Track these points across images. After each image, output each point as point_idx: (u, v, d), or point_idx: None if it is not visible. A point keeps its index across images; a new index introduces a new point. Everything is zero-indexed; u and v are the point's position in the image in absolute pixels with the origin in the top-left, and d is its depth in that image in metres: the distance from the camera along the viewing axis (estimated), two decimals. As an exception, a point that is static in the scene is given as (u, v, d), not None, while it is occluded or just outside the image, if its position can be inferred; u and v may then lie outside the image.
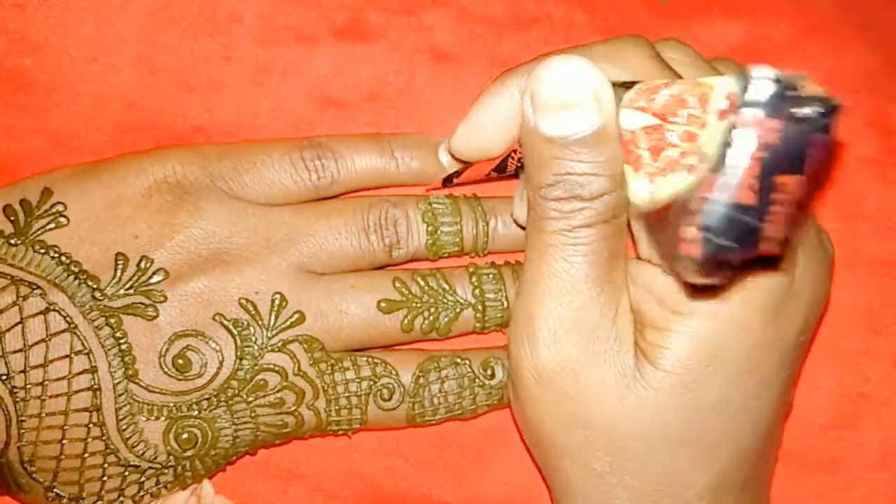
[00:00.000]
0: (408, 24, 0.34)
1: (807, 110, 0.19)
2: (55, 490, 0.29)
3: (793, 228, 0.21)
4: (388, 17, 0.34)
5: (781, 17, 0.36)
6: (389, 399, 0.31)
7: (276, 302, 0.30)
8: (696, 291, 0.26)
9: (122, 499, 0.30)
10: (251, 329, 0.30)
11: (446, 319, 0.32)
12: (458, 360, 0.32)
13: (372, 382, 0.31)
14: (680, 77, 0.27)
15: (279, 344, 0.30)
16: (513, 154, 0.28)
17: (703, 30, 0.36)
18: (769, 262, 0.25)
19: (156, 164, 0.31)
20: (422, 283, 0.32)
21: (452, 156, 0.30)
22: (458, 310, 0.32)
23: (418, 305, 0.31)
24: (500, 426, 0.33)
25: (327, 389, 0.31)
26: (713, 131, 0.22)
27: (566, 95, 0.25)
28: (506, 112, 0.28)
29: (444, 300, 0.32)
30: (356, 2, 0.34)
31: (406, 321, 0.31)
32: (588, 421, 0.27)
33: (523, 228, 0.31)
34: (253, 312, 0.30)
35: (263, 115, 0.34)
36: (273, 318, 0.30)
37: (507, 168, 0.29)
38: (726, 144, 0.20)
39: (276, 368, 0.30)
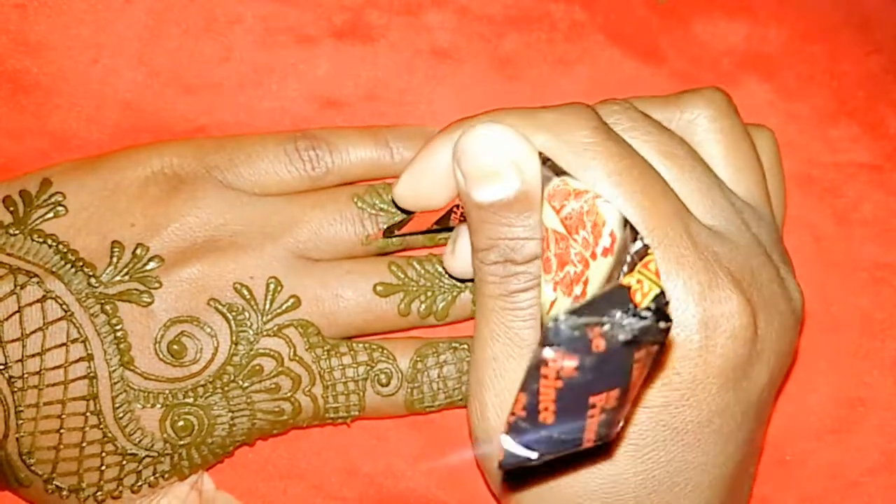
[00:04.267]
0: (408, 25, 0.34)
1: (620, 335, 0.19)
2: (55, 482, 0.29)
3: (616, 423, 0.21)
4: (388, 17, 0.34)
5: (781, 18, 0.36)
6: (387, 384, 0.31)
7: (272, 286, 0.30)
8: (509, 477, 0.26)
9: (120, 488, 0.30)
10: (246, 314, 0.30)
11: (443, 303, 0.32)
12: (457, 345, 0.32)
13: (369, 367, 0.31)
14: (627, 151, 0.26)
15: (274, 328, 0.30)
16: (455, 209, 0.28)
17: (702, 29, 0.36)
18: (599, 448, 0.25)
19: (153, 156, 0.31)
20: (418, 266, 0.32)
21: (395, 204, 0.30)
22: (454, 293, 0.32)
23: (415, 289, 0.31)
24: (499, 426, 0.33)
25: (324, 375, 0.31)
26: (596, 270, 0.22)
27: (487, 163, 0.25)
28: (446, 164, 0.27)
29: (441, 283, 0.32)
30: (356, 2, 0.34)
31: (403, 305, 0.31)
32: (543, 485, 0.27)
33: (453, 279, 0.31)
34: (248, 297, 0.30)
35: (263, 116, 0.34)
36: (268, 302, 0.30)
37: (451, 222, 0.29)
38: (532, 369, 0.19)
39: (272, 353, 0.30)
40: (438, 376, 0.31)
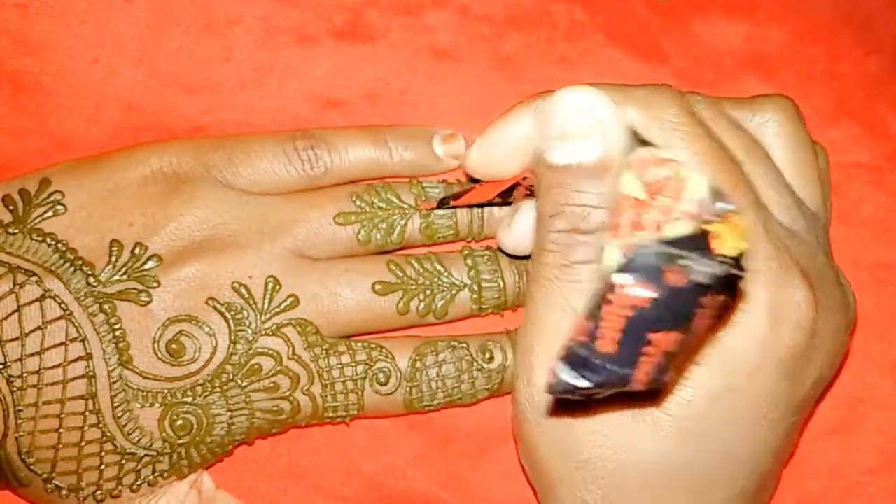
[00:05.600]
0: (408, 25, 0.34)
1: (693, 275, 0.19)
2: (54, 481, 0.29)
3: (670, 371, 0.21)
4: (389, 17, 0.34)
5: (781, 18, 0.36)
6: (386, 383, 0.31)
7: (270, 285, 0.30)
8: (556, 406, 0.26)
9: (119, 487, 0.30)
10: (245, 313, 0.30)
11: (442, 301, 0.32)
12: (456, 344, 0.32)
13: (367, 367, 0.31)
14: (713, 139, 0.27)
15: (273, 328, 0.30)
16: (521, 181, 0.28)
17: (703, 29, 0.36)
18: (649, 393, 0.24)
19: (152, 155, 0.31)
20: (416, 265, 0.32)
21: (466, 175, 0.30)
22: (454, 292, 0.32)
23: (414, 288, 0.31)
24: (500, 426, 0.33)
25: (322, 374, 0.31)
26: (676, 229, 0.22)
27: (571, 124, 0.25)
28: (523, 134, 0.27)
29: (440, 282, 0.32)
30: (356, 3, 0.34)
31: (402, 304, 0.31)
32: (583, 454, 0.27)
33: (507, 255, 0.32)
34: (246, 296, 0.30)
35: (263, 116, 0.34)
36: (267, 301, 0.30)
37: (515, 196, 0.29)
38: (600, 293, 0.19)
39: (271, 352, 0.30)
40: (437, 375, 0.31)
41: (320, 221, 0.31)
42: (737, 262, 0.19)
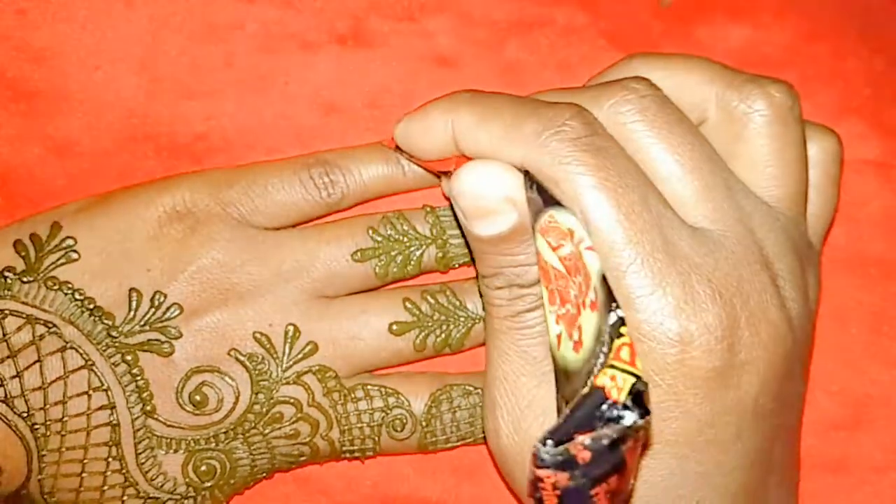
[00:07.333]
0: (410, 31, 0.34)
1: (604, 440, 0.20)
2: None
3: (624, 493, 0.22)
4: (390, 23, 0.34)
5: (784, 19, 0.36)
6: (402, 430, 0.31)
7: (290, 333, 0.30)
8: None
9: None
10: (266, 363, 0.30)
11: (458, 335, 0.32)
12: (471, 389, 0.32)
13: (384, 413, 0.31)
14: None
15: (293, 376, 0.30)
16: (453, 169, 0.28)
17: (706, 32, 0.36)
18: None
19: (164, 193, 0.31)
20: (431, 300, 0.32)
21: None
22: (469, 325, 0.32)
23: (430, 324, 0.31)
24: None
25: (340, 419, 0.31)
26: (587, 321, 0.23)
27: (483, 202, 0.26)
28: (441, 135, 0.27)
29: (456, 316, 0.32)
30: (358, 9, 0.34)
31: (418, 340, 0.31)
32: None
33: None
34: (267, 346, 0.30)
35: (265, 123, 0.34)
36: (287, 349, 0.30)
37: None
38: (530, 483, 0.20)
39: (291, 401, 0.30)
40: (451, 420, 0.32)
41: (337, 259, 0.31)
42: (639, 402, 0.20)
